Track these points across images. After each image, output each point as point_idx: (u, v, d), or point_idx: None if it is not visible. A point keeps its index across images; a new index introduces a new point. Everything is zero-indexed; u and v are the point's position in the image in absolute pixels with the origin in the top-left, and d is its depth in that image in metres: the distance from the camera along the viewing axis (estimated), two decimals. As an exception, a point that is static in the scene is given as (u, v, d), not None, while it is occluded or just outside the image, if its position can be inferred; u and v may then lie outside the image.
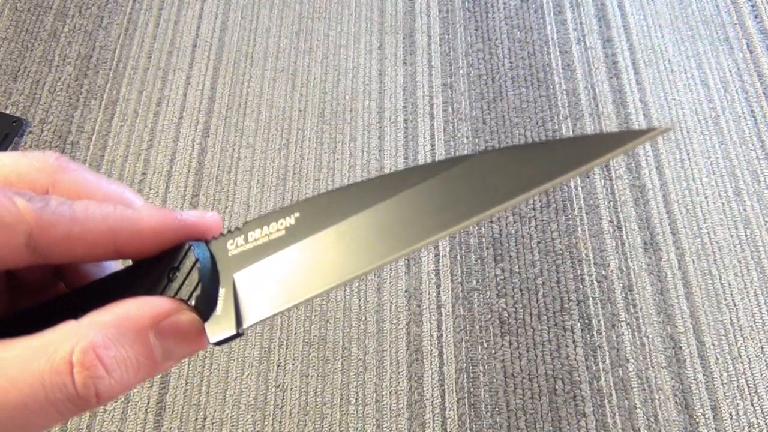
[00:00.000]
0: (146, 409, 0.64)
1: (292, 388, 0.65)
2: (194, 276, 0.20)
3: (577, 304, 0.67)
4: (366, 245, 0.19)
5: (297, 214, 0.20)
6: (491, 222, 0.72)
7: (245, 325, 0.19)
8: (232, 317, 0.19)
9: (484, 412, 0.62)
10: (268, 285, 0.20)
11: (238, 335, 0.19)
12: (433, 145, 0.78)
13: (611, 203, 0.73)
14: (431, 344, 0.66)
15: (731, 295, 0.67)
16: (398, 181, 0.20)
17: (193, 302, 0.19)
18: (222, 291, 0.20)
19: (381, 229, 0.19)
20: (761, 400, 0.62)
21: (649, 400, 0.62)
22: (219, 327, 0.19)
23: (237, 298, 0.20)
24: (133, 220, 0.20)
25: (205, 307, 0.20)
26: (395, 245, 0.19)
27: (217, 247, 0.21)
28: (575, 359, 0.64)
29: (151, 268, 0.21)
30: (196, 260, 0.20)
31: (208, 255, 0.21)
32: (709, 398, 0.62)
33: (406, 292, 0.69)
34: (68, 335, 0.17)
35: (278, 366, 0.66)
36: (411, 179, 0.20)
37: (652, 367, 0.64)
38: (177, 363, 0.22)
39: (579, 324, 0.66)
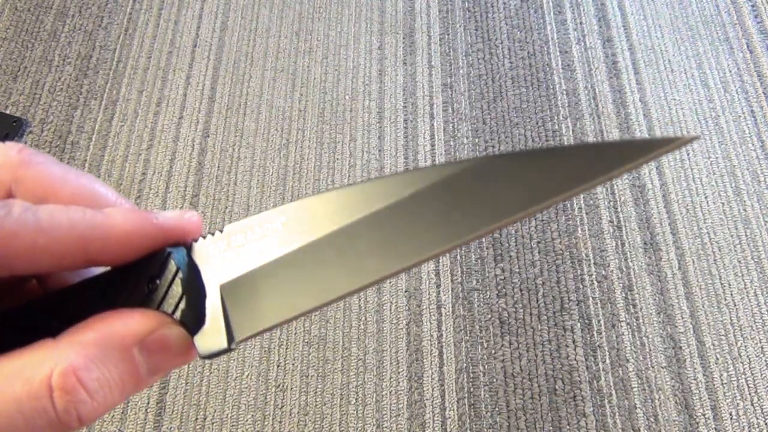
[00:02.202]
0: (146, 409, 0.64)
1: (292, 388, 0.65)
2: (177, 287, 0.18)
3: (577, 304, 0.67)
4: (363, 257, 0.17)
5: (283, 219, 0.19)
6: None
7: (237, 340, 0.18)
8: (223, 331, 0.18)
9: (484, 412, 0.62)
10: (258, 297, 0.18)
11: (230, 349, 0.18)
12: (433, 145, 0.78)
13: (611, 203, 0.73)
14: (431, 344, 0.66)
15: (731, 295, 0.67)
16: (397, 185, 0.18)
17: (178, 315, 0.18)
18: (209, 302, 0.19)
19: (379, 239, 0.17)
20: (761, 400, 0.62)
21: (649, 400, 0.62)
22: (209, 341, 0.18)
23: (226, 311, 0.18)
24: (105, 226, 0.18)
25: (192, 321, 0.18)
26: (397, 257, 0.17)
27: (199, 252, 0.19)
28: (575, 359, 0.64)
29: (130, 275, 0.19)
30: (177, 269, 0.18)
31: (189, 263, 0.19)
32: (709, 398, 0.62)
33: (406, 292, 0.69)
34: (46, 357, 0.16)
35: (278, 366, 0.66)
36: (412, 183, 0.18)
37: (652, 367, 0.64)
38: (164, 376, 0.21)
39: (579, 324, 0.66)
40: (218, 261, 0.19)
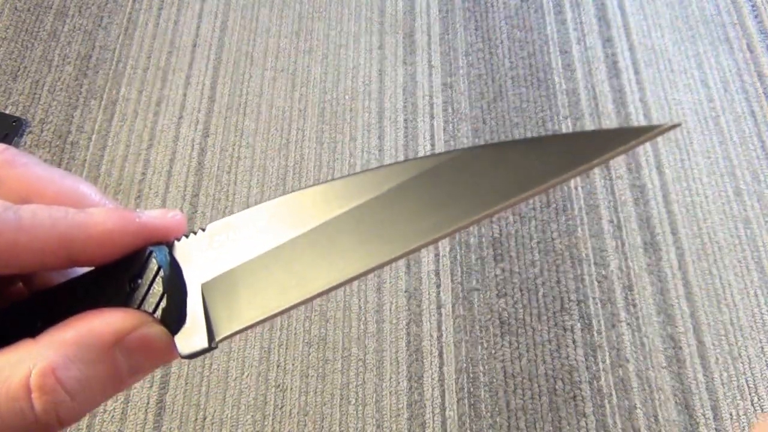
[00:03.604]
0: (146, 409, 0.64)
1: (292, 388, 0.65)
2: (158, 286, 0.18)
3: (577, 304, 0.67)
4: (343, 252, 0.17)
5: (264, 216, 0.19)
6: (491, 222, 0.72)
7: (218, 338, 0.18)
8: (203, 330, 0.18)
9: (484, 412, 0.62)
10: (238, 295, 0.18)
11: (210, 348, 0.18)
12: (433, 145, 0.78)
13: (611, 203, 0.73)
14: (431, 344, 0.66)
15: (731, 295, 0.67)
16: (377, 179, 0.18)
17: (159, 314, 0.18)
18: (190, 301, 0.19)
19: (360, 235, 0.17)
20: (761, 400, 0.62)
21: (649, 400, 0.62)
22: (190, 340, 0.18)
23: (207, 309, 0.18)
24: (86, 225, 0.18)
25: (173, 319, 0.18)
26: (377, 252, 0.17)
27: (181, 251, 0.19)
28: (575, 359, 0.64)
29: (112, 274, 0.19)
30: (159, 268, 0.18)
31: (171, 262, 0.19)
32: (709, 398, 0.62)
33: (406, 292, 0.69)
34: (24, 357, 0.16)
35: (278, 366, 0.66)
36: (392, 177, 0.18)
37: (652, 367, 0.64)
38: (146, 376, 0.21)
39: (579, 324, 0.66)
40: (200, 260, 0.19)
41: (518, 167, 0.16)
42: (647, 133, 0.15)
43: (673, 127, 0.15)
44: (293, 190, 0.19)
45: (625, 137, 0.15)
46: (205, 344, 0.18)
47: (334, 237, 0.18)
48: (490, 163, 0.17)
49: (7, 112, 0.82)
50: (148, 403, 0.65)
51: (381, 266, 0.17)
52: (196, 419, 0.64)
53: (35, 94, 0.84)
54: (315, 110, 0.81)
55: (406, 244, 0.17)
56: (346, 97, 0.82)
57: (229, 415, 0.64)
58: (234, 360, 0.66)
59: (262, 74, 0.84)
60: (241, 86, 0.84)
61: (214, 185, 0.76)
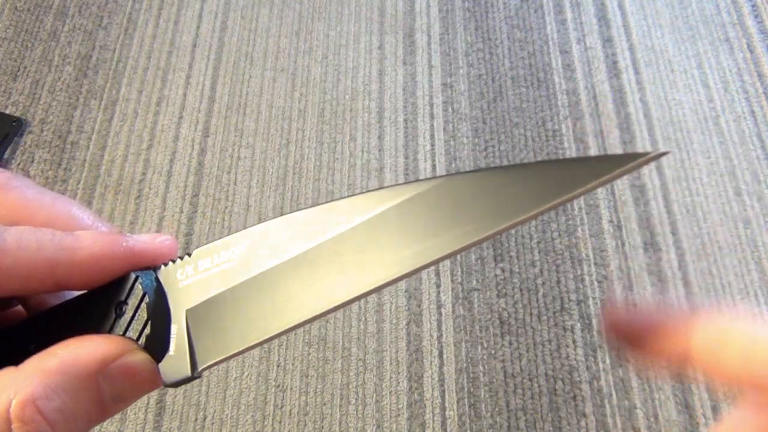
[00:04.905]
0: (146, 409, 0.64)
1: (292, 388, 0.65)
2: (143, 312, 0.18)
3: (577, 304, 0.67)
4: (327, 281, 0.17)
5: (248, 242, 0.19)
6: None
7: (201, 367, 0.18)
8: (187, 358, 0.18)
9: (484, 412, 0.62)
10: (222, 323, 0.18)
11: (193, 378, 0.18)
12: (433, 145, 0.78)
13: (611, 203, 0.73)
14: (431, 344, 0.66)
15: (731, 295, 0.67)
16: (360, 206, 0.17)
17: (143, 341, 0.18)
18: (174, 328, 0.18)
19: (342, 263, 0.17)
20: (761, 400, 0.62)
21: (649, 400, 0.62)
22: (173, 369, 0.18)
23: (190, 337, 0.18)
24: (72, 249, 0.17)
25: (157, 347, 0.18)
26: (360, 281, 0.17)
27: (167, 276, 0.19)
28: (575, 359, 0.64)
29: (100, 299, 0.19)
30: (144, 294, 0.18)
31: (156, 288, 0.19)
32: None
33: (406, 292, 0.69)
34: (5, 386, 0.16)
35: (278, 366, 0.66)
36: (374, 204, 0.17)
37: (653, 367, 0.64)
38: (131, 404, 0.21)
39: (579, 324, 0.66)
40: (185, 285, 0.19)
41: (503, 196, 0.16)
42: (634, 161, 0.15)
43: (661, 155, 0.15)
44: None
45: (611, 165, 0.15)
46: (188, 373, 0.18)
47: (316, 264, 0.18)
48: (474, 191, 0.17)
49: (7, 112, 0.82)
50: (148, 403, 0.65)
51: (365, 295, 0.17)
52: (196, 419, 0.64)
53: (35, 94, 0.84)
54: (315, 110, 0.81)
55: (389, 273, 0.17)
56: (346, 97, 0.82)
57: (229, 415, 0.64)
58: (234, 360, 0.66)
59: (262, 74, 0.84)
60: (241, 86, 0.84)
61: (214, 185, 0.76)
